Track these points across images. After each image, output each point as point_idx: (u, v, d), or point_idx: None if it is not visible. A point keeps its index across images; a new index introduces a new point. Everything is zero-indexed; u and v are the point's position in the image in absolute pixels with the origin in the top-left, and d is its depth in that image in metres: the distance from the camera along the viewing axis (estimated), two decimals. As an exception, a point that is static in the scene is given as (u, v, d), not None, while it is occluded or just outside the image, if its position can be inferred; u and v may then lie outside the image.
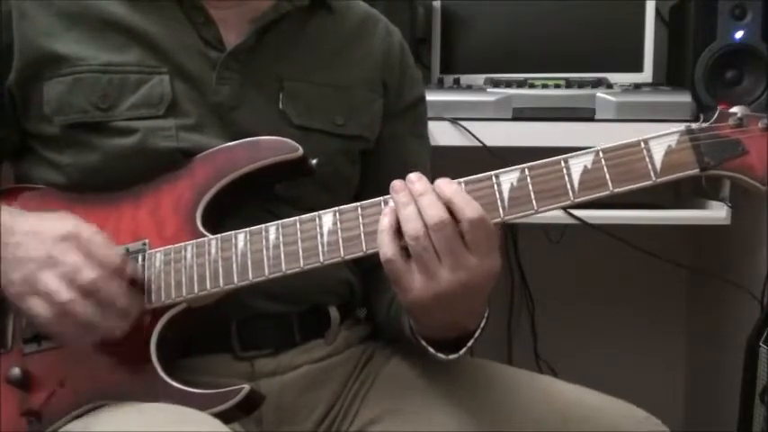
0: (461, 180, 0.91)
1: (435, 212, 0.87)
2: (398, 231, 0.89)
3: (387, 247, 0.89)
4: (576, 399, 1.05)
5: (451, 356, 0.98)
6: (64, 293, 0.89)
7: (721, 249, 1.97)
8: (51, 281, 0.90)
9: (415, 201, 0.89)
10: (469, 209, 0.87)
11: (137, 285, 0.95)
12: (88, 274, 0.90)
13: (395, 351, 1.14)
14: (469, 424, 1.02)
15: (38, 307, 0.90)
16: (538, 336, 2.17)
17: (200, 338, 1.02)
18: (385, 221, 0.90)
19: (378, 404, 1.08)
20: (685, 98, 1.61)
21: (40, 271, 0.90)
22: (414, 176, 0.91)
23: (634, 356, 2.16)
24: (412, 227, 0.87)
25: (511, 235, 2.12)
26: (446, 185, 0.90)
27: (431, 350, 0.98)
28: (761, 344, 1.55)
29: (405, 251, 0.89)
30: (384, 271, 0.90)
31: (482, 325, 0.97)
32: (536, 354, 2.15)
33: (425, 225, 0.87)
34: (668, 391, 2.17)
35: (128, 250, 0.99)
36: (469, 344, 0.98)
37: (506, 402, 1.04)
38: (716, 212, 1.60)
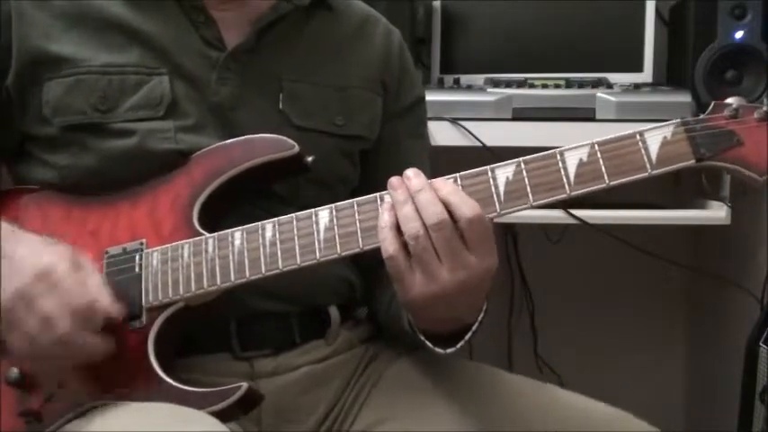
0: (457, 175, 0.91)
1: (433, 211, 0.87)
2: (399, 228, 0.88)
3: (389, 244, 0.88)
4: (580, 408, 1.04)
5: (449, 350, 0.97)
6: (41, 339, 0.89)
7: (721, 249, 1.96)
8: (28, 326, 0.89)
9: (413, 198, 0.88)
10: (467, 207, 0.87)
11: (114, 315, 0.93)
12: (63, 325, 0.89)
13: (399, 353, 1.14)
14: (472, 429, 1.02)
15: (17, 341, 0.91)
16: (538, 336, 2.16)
17: (200, 338, 1.02)
18: (386, 217, 0.89)
19: (380, 407, 1.08)
20: (685, 98, 1.61)
21: (16, 309, 0.90)
22: (410, 172, 0.90)
23: (634, 356, 2.16)
24: (411, 226, 0.87)
25: (511, 235, 2.12)
26: (442, 184, 0.89)
27: (429, 344, 0.97)
28: (761, 344, 1.55)
29: (406, 248, 0.88)
30: (385, 268, 0.90)
31: (480, 318, 0.96)
32: (536, 354, 2.15)
33: (424, 224, 0.87)
34: (668, 391, 2.17)
35: (125, 250, 0.99)
36: (467, 337, 0.96)
37: (510, 407, 1.03)
38: (716, 212, 1.60)
